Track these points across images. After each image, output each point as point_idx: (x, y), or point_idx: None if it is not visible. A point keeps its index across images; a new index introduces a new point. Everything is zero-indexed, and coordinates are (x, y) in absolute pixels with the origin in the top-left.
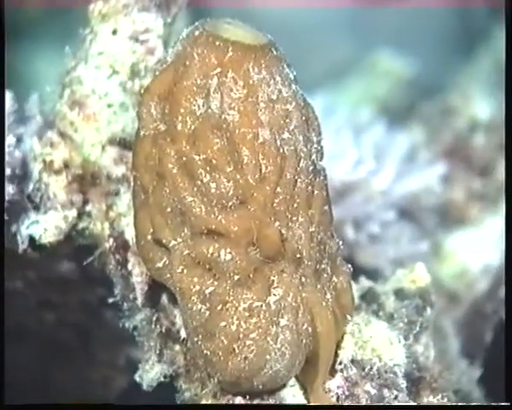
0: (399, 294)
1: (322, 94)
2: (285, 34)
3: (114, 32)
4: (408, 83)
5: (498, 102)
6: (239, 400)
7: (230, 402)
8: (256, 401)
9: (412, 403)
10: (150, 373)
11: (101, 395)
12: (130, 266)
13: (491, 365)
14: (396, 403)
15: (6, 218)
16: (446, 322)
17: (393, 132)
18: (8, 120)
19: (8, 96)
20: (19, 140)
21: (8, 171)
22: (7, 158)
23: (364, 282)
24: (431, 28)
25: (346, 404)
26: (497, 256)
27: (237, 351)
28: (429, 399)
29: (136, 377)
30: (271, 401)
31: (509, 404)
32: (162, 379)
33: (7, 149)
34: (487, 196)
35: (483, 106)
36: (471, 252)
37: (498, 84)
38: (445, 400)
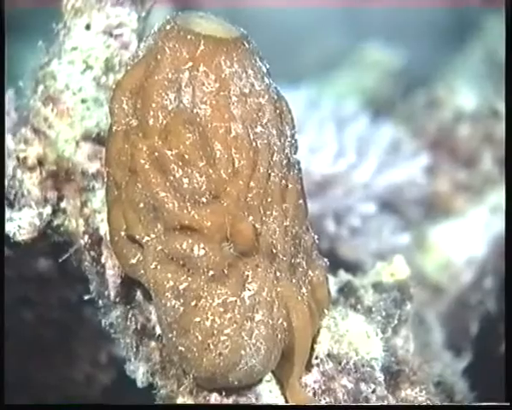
0: (378, 287)
1: (307, 86)
2: (272, 27)
3: (88, 27)
4: (395, 74)
5: (484, 93)
6: (215, 396)
7: (207, 399)
8: (232, 398)
9: (413, 403)
10: (138, 373)
11: (83, 393)
12: (104, 263)
13: (477, 356)
14: (374, 397)
15: None
16: (430, 314)
17: (378, 124)
18: None
19: None
20: None
21: None
22: None
23: (343, 275)
24: (419, 20)
25: (323, 399)
26: (481, 247)
27: (212, 347)
28: (407, 392)
29: (128, 371)
30: (246, 398)
31: (508, 404)
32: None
33: None
34: (472, 187)
35: (468, 97)
36: (455, 244)
37: (485, 76)
38: (424, 393)
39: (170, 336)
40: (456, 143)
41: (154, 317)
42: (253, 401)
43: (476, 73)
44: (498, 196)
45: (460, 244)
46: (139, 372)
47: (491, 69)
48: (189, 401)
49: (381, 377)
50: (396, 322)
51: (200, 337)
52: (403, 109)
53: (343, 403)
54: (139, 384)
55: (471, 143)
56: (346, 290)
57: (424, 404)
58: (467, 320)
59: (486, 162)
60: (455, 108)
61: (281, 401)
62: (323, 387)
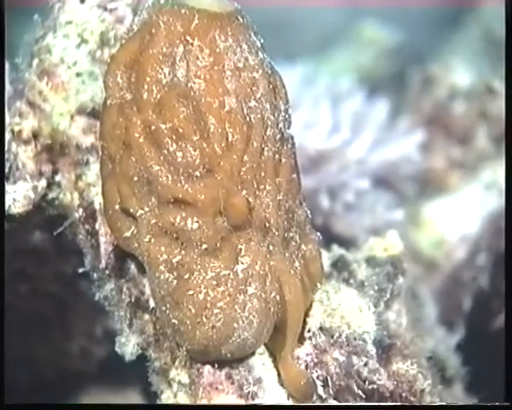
0: (371, 261)
1: (303, 63)
2: (270, 5)
3: (82, 1)
4: (391, 52)
5: (479, 70)
6: (208, 369)
7: (200, 371)
8: (225, 370)
9: (413, 404)
10: (128, 346)
11: (79, 366)
12: (98, 236)
13: (470, 332)
14: (366, 370)
15: None
16: (423, 290)
17: (373, 101)
18: None
19: None
20: None
21: None
22: None
23: (336, 250)
24: None
25: (315, 372)
26: (475, 224)
27: (205, 320)
28: (399, 365)
29: (117, 349)
30: (239, 371)
31: (508, 404)
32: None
33: None
34: (467, 164)
35: (463, 74)
36: (449, 220)
37: (480, 53)
38: (415, 366)
39: (163, 309)
40: (450, 120)
41: (147, 290)
42: (246, 373)
43: (472, 50)
44: (493, 173)
45: (454, 221)
46: (129, 346)
47: (487, 47)
48: (183, 373)
49: (372, 350)
50: (388, 296)
51: (193, 310)
52: (398, 87)
53: (335, 376)
54: (127, 358)
55: (466, 120)
56: (339, 265)
57: (425, 404)
58: (460, 296)
59: (481, 139)
60: (450, 86)
61: (273, 374)
62: (316, 360)
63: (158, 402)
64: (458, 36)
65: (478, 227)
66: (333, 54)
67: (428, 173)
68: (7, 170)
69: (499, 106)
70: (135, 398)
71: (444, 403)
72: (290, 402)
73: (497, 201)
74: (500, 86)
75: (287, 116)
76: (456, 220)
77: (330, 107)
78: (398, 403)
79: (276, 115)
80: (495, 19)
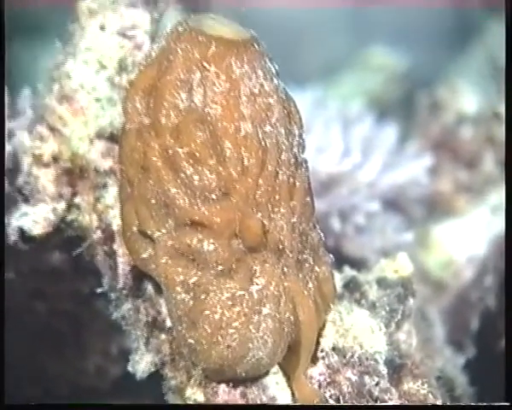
0: (382, 283)
1: (314, 88)
2: (280, 30)
3: (102, 28)
4: (399, 77)
5: (486, 95)
6: (223, 388)
7: (215, 390)
8: (240, 389)
9: (413, 404)
10: (141, 363)
11: (94, 384)
12: (116, 257)
13: (477, 352)
14: (377, 389)
15: None
16: (432, 310)
17: (382, 125)
18: None
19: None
20: (10, 134)
21: None
22: None
23: (348, 271)
24: (423, 25)
25: (328, 391)
26: (482, 246)
27: (220, 339)
28: (409, 385)
29: (129, 368)
30: (253, 389)
31: (508, 404)
32: (153, 369)
33: None
34: (474, 188)
35: (470, 99)
36: (457, 242)
37: (486, 79)
38: (426, 386)
39: (180, 328)
40: (458, 145)
41: (164, 310)
42: (260, 392)
43: (478, 76)
44: (499, 197)
45: (461, 243)
46: (142, 364)
47: (493, 73)
48: (198, 392)
49: (384, 370)
50: (399, 317)
51: (209, 330)
52: (406, 111)
53: (347, 395)
54: (138, 376)
55: (473, 144)
56: (351, 286)
57: (428, 404)
58: (467, 316)
59: (488, 164)
60: (457, 111)
61: (287, 393)
62: (328, 379)
63: None
64: (464, 61)
65: (485, 249)
66: (342, 78)
67: (436, 196)
68: (27, 192)
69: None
70: None
71: (443, 404)
72: None
73: (503, 224)
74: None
75: (301, 141)
76: (464, 242)
77: (341, 131)
78: (399, 403)
79: (290, 140)
80: (499, 44)
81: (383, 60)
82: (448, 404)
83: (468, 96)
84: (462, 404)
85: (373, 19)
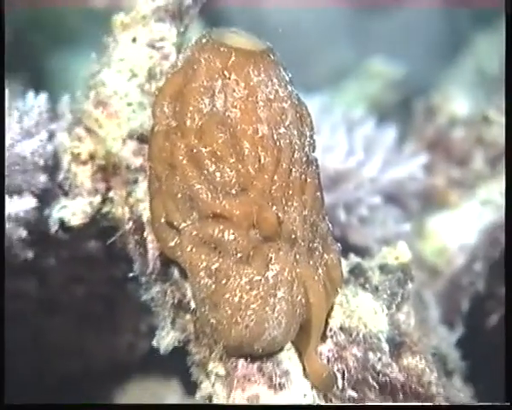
0: (384, 269)
1: (320, 95)
2: (290, 43)
3: (134, 40)
4: (397, 85)
5: (475, 100)
6: (241, 362)
7: (234, 365)
8: (257, 364)
9: (414, 404)
10: (166, 339)
11: (125, 359)
12: (146, 245)
13: (467, 330)
14: (380, 364)
15: (38, 204)
16: (428, 293)
17: (382, 127)
18: (41, 117)
19: (43, 96)
20: (51, 135)
21: (41, 162)
22: (40, 150)
23: (353, 258)
24: (418, 38)
25: (335, 366)
26: (473, 236)
27: (239, 320)
28: (408, 360)
29: (154, 343)
30: (269, 364)
31: (508, 404)
32: (176, 344)
33: (39, 143)
34: (465, 183)
35: (461, 104)
36: (450, 232)
37: (476, 86)
38: (423, 361)
39: (203, 310)
40: (450, 145)
41: (189, 293)
42: (275, 366)
43: (468, 83)
44: (488, 192)
45: (454, 233)
46: (166, 340)
47: (482, 79)
48: (219, 366)
49: (386, 347)
50: (399, 299)
51: (229, 311)
52: (404, 115)
53: (353, 370)
54: (162, 351)
55: (464, 144)
56: (356, 271)
57: (427, 404)
58: (459, 299)
59: (477, 162)
60: (449, 114)
61: (299, 368)
62: (336, 355)
63: (198, 392)
64: (455, 70)
65: (475, 238)
66: (346, 86)
67: (431, 191)
68: (67, 187)
69: (494, 132)
70: (175, 387)
71: (443, 404)
72: (314, 393)
73: (492, 215)
74: (494, 115)
75: (311, 141)
76: (456, 232)
77: (345, 132)
78: (399, 403)
79: (302, 140)
80: (486, 54)
81: (382, 69)
82: (448, 404)
83: (459, 101)
84: (462, 404)
85: (373, 32)
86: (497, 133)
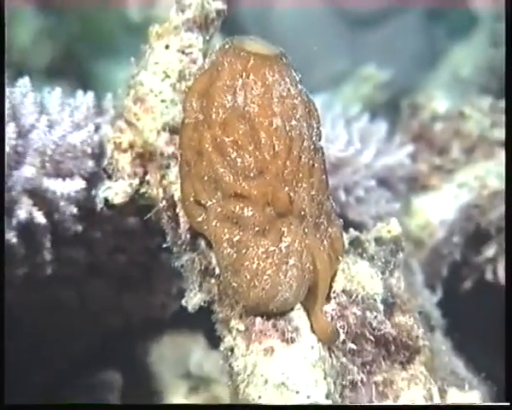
0: (378, 241)
1: (322, 95)
2: (297, 51)
3: (167, 47)
4: (385, 86)
5: (452, 99)
6: (258, 320)
7: (252, 321)
8: (271, 321)
9: (414, 404)
10: (193, 300)
11: (159, 316)
12: (178, 220)
13: (447, 293)
14: (376, 321)
15: (87, 186)
16: (413, 262)
17: (375, 122)
18: (89, 112)
19: (90, 95)
20: (97, 128)
21: (89, 150)
22: (88, 140)
23: (352, 232)
24: (403, 46)
25: (338, 322)
26: (451, 213)
27: (257, 284)
28: (400, 318)
29: (183, 302)
30: (281, 321)
31: (508, 404)
32: (202, 304)
33: (87, 134)
34: (444, 169)
35: (441, 102)
36: (432, 210)
37: (452, 86)
38: (411, 318)
39: (226, 275)
40: (432, 137)
41: (214, 261)
42: (287, 323)
43: (446, 84)
44: (464, 176)
45: (435, 210)
46: (193, 300)
47: (457, 82)
48: (240, 322)
49: (380, 307)
50: (392, 267)
51: (248, 276)
52: (393, 112)
53: (353, 326)
54: (191, 309)
55: (443, 136)
56: (355, 243)
57: (425, 404)
58: (439, 266)
59: (455, 151)
60: (431, 111)
61: (307, 324)
62: (339, 314)
63: (221, 345)
64: (436, 74)
65: (453, 215)
66: (344, 88)
67: (416, 175)
68: (110, 171)
69: (469, 126)
70: (201, 341)
71: (443, 404)
72: (320, 346)
73: (467, 196)
74: (469, 111)
75: (318, 132)
76: (437, 210)
77: (344, 126)
78: (399, 403)
79: (310, 131)
80: (460, 62)
81: (374, 73)
82: (448, 404)
83: (439, 100)
84: (462, 404)
85: (366, 43)
86: (472, 126)
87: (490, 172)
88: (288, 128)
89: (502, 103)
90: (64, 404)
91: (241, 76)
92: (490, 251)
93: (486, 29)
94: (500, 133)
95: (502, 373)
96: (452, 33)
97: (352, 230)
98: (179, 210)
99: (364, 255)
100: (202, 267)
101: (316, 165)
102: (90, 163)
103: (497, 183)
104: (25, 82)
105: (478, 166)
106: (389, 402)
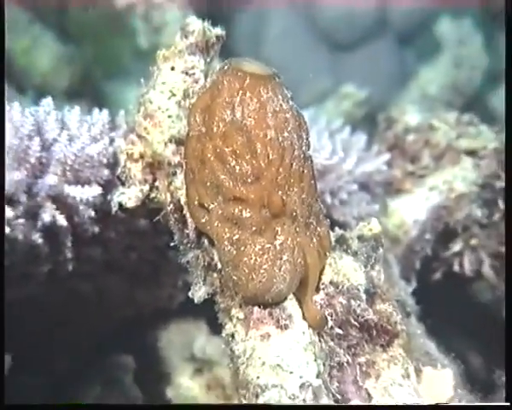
0: (361, 238)
1: (310, 110)
2: (286, 73)
3: (172, 69)
4: (364, 103)
5: (422, 113)
6: (256, 309)
7: (250, 310)
8: (268, 310)
9: (414, 403)
10: (199, 292)
11: (166, 306)
12: (184, 222)
13: (420, 283)
14: (359, 309)
15: (103, 191)
16: (391, 256)
17: (355, 134)
18: (104, 127)
19: (105, 112)
20: (111, 141)
21: (104, 160)
22: (103, 152)
23: (338, 231)
24: (379, 69)
25: (326, 310)
26: (423, 213)
27: (254, 277)
28: (380, 306)
29: (190, 294)
30: (277, 310)
31: (508, 404)
32: (207, 297)
33: (103, 146)
34: (416, 175)
35: (413, 116)
36: (406, 211)
37: (421, 102)
38: (391, 306)
39: (227, 269)
40: (405, 146)
41: (216, 257)
42: (281, 311)
43: (416, 100)
44: (434, 181)
45: (409, 211)
46: (199, 292)
47: (425, 98)
48: (239, 312)
49: (363, 296)
50: (373, 261)
51: (246, 271)
52: (371, 125)
53: (339, 313)
54: (197, 301)
55: (415, 146)
56: (341, 240)
57: (427, 404)
58: (413, 260)
59: (425, 159)
60: (404, 124)
61: (299, 312)
62: (327, 303)
63: (223, 331)
64: (408, 92)
65: (424, 215)
66: (327, 104)
67: (392, 180)
68: (124, 179)
69: (437, 137)
70: (204, 328)
71: (443, 404)
72: (310, 332)
73: (437, 198)
74: (437, 124)
75: (307, 142)
76: (411, 211)
77: (328, 138)
78: (399, 403)
79: (300, 142)
80: (428, 82)
81: (353, 92)
82: (448, 404)
83: (411, 114)
84: (462, 404)
85: (346, 65)
86: (440, 137)
87: (456, 177)
88: (280, 139)
89: (466, 117)
90: (64, 404)
91: (239, 93)
92: (456, 247)
93: (450, 53)
94: (465, 143)
95: (469, 353)
96: (420, 57)
97: (337, 229)
98: (185, 212)
99: (349, 251)
100: (206, 263)
101: (305, 171)
102: (106, 172)
103: (463, 186)
104: (48, 102)
105: (446, 171)
106: (371, 380)
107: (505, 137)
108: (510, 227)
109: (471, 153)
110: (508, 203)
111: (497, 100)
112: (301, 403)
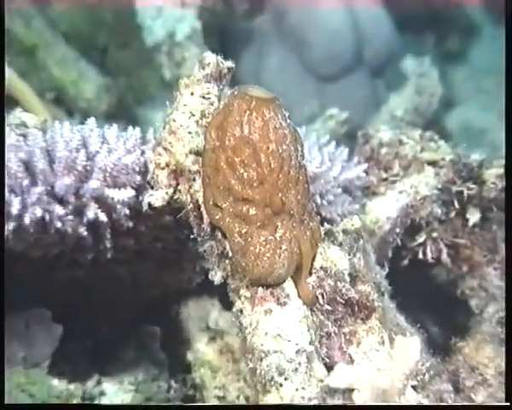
0: (345, 232)
1: (302, 128)
2: (283, 100)
3: (192, 94)
4: (345, 122)
5: (393, 131)
6: (260, 289)
7: (255, 290)
8: (270, 290)
9: (414, 404)
10: (216, 276)
11: (186, 287)
12: (201, 218)
13: (392, 268)
14: (344, 289)
15: (135, 194)
16: (368, 246)
17: (340, 148)
18: (136, 142)
19: (138, 129)
20: (142, 152)
21: (137, 168)
22: (136, 161)
23: (326, 226)
24: (356, 96)
25: (317, 290)
26: (394, 211)
27: (259, 263)
28: (361, 287)
29: (209, 277)
30: (277, 290)
31: (508, 404)
32: (223, 280)
33: (136, 157)
34: (388, 181)
35: (386, 133)
36: (380, 210)
37: (392, 122)
38: (369, 287)
39: (236, 257)
40: (379, 158)
41: (227, 247)
42: (281, 291)
43: (388, 121)
44: (402, 185)
45: (383, 210)
46: (217, 276)
47: (394, 120)
48: (247, 291)
49: (347, 279)
50: (355, 250)
51: (252, 258)
52: (351, 140)
53: (328, 293)
54: (216, 283)
55: (387, 157)
56: (328, 234)
57: (427, 404)
58: (386, 249)
59: (396, 168)
60: (378, 140)
61: (295, 292)
62: (318, 284)
63: (233, 307)
64: (380, 114)
65: (395, 213)
66: (314, 125)
67: (369, 185)
68: (152, 183)
69: (405, 150)
70: (217, 305)
71: (443, 404)
72: (304, 307)
73: (405, 199)
74: (405, 139)
75: (302, 153)
76: (384, 210)
77: (318, 151)
78: (399, 403)
79: (296, 153)
80: (400, 104)
81: (337, 114)
82: (448, 404)
83: (384, 132)
84: (462, 404)
85: (330, 93)
86: (407, 150)
87: (421, 182)
88: (280, 151)
89: (428, 134)
90: (64, 404)
91: (247, 113)
92: (421, 238)
93: (413, 83)
94: (427, 155)
95: (430, 324)
96: (389, 86)
97: (326, 224)
98: (202, 210)
99: (335, 242)
100: (219, 252)
101: (300, 177)
102: (138, 178)
103: (426, 190)
104: (91, 121)
105: (412, 178)
106: (353, 347)
107: (505, 138)
108: (510, 227)
109: (432, 163)
110: (508, 203)
111: (452, 120)
112: (297, 366)
